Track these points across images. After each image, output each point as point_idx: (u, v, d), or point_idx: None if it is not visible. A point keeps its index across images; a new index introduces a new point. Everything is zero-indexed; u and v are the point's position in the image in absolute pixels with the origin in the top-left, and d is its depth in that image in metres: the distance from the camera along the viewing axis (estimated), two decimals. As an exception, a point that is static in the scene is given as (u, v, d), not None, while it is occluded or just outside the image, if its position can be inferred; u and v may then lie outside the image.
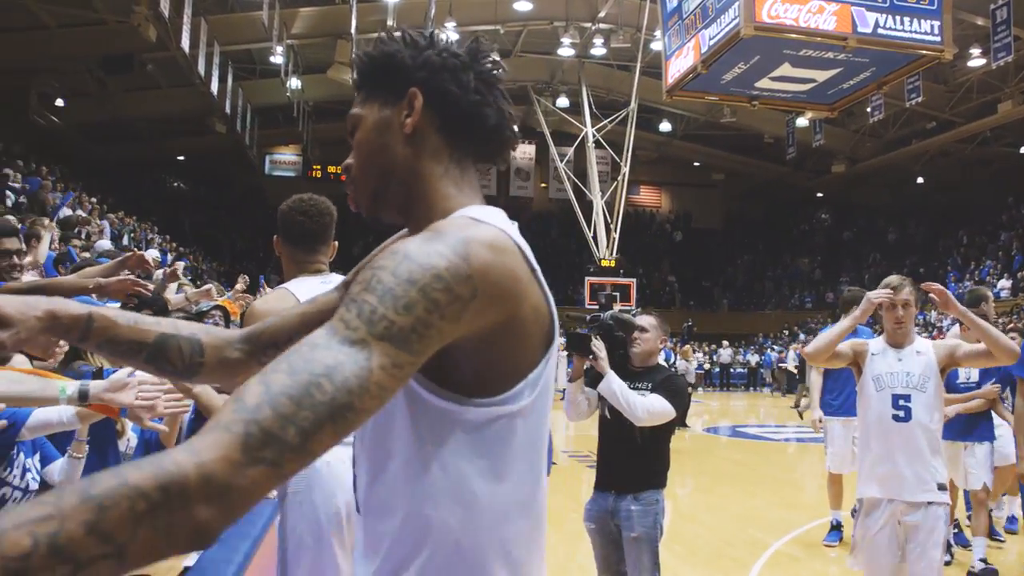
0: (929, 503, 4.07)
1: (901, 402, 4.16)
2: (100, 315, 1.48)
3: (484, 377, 1.25)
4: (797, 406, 23.75)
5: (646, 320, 4.46)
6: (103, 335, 1.48)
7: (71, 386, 2.58)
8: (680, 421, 4.55)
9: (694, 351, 29.81)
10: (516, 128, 1.45)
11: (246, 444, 0.92)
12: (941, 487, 4.10)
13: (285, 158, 41.05)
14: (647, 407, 4.13)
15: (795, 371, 28.08)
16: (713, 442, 16.24)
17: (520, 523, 1.29)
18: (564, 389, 4.58)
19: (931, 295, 4.13)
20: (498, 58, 1.44)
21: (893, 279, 4.31)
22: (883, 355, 4.30)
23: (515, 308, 1.23)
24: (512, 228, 1.31)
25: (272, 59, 27.83)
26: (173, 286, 6.97)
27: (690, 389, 18.03)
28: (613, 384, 4.16)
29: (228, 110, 28.23)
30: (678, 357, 23.66)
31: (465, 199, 1.41)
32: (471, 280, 1.15)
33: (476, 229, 1.23)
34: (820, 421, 7.24)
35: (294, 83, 29.29)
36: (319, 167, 41.04)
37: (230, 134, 31.62)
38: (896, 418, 4.15)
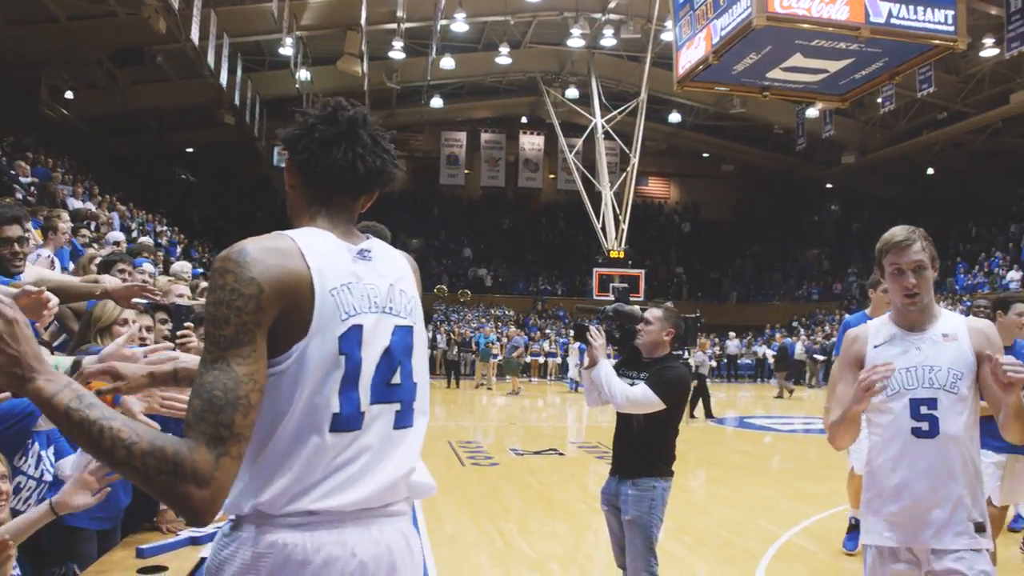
0: (964, 551, 2.96)
1: (924, 409, 2.98)
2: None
3: (272, 347, 1.74)
4: (781, 395, 24.13)
5: (650, 313, 4.57)
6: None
7: (64, 362, 2.59)
8: (687, 412, 4.53)
9: (711, 344, 29.95)
10: (360, 165, 1.94)
11: (209, 446, 1.58)
12: (980, 528, 2.98)
13: (327, 98, 41.20)
14: (627, 395, 4.31)
15: (772, 359, 28.34)
16: (720, 433, 16.25)
17: (299, 452, 1.76)
18: (571, 379, 4.67)
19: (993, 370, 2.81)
20: (353, 113, 1.97)
21: (898, 232, 3.08)
22: (892, 344, 3.09)
23: (295, 293, 1.75)
24: (308, 240, 1.83)
25: (281, 51, 27.81)
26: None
27: (699, 381, 18.02)
28: (600, 371, 4.41)
29: (237, 102, 28.31)
30: (694, 349, 23.88)
31: (311, 225, 1.94)
32: (254, 280, 1.70)
33: (263, 238, 1.80)
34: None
35: (303, 75, 29.30)
36: (327, 158, 41.12)
37: (239, 126, 31.68)
38: (918, 433, 2.98)
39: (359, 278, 1.86)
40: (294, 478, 1.76)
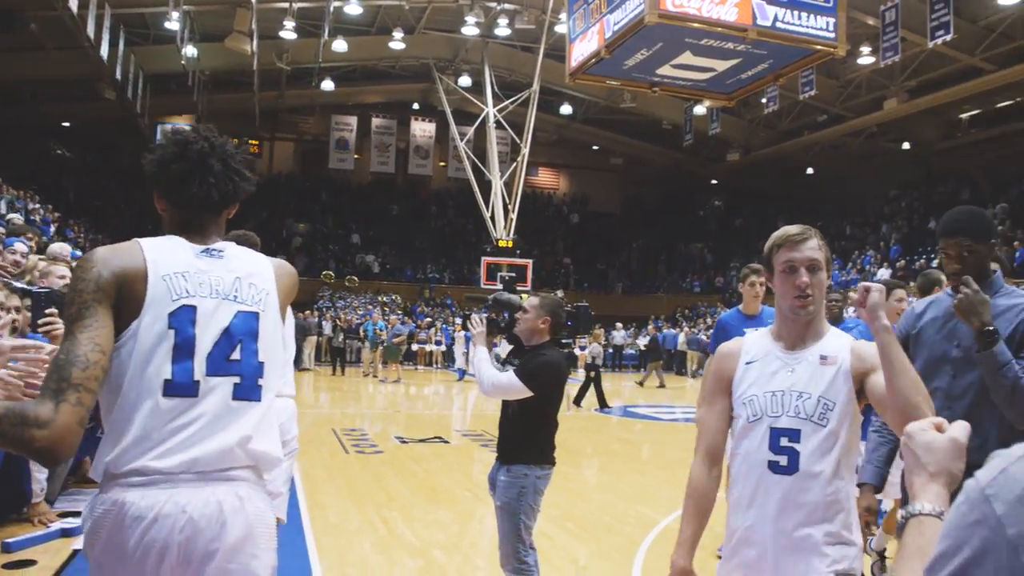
0: None
1: (784, 441, 2.56)
2: None
3: (117, 327, 2.08)
4: (663, 384, 24.88)
5: (528, 301, 4.63)
6: None
7: None
8: (569, 401, 4.63)
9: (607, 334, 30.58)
10: (215, 192, 2.28)
11: (51, 397, 1.87)
12: None
13: (177, 128, 39.82)
14: (493, 380, 4.40)
15: (644, 348, 29.18)
16: (605, 422, 16.50)
17: (138, 414, 2.06)
18: (460, 368, 4.72)
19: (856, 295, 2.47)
20: (201, 147, 2.27)
21: (792, 227, 2.75)
22: (765, 362, 2.69)
23: (131, 279, 2.10)
24: (151, 241, 2.20)
25: (167, 25, 26.94)
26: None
27: (595, 372, 18.30)
28: (475, 357, 4.57)
29: (119, 76, 27.25)
30: (589, 338, 24.60)
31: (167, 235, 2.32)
32: (95, 267, 2.07)
33: (116, 244, 2.19)
34: None
35: (190, 51, 28.42)
36: (214, 138, 39.99)
37: (120, 101, 30.51)
38: (774, 467, 2.57)
39: (200, 270, 2.21)
40: (134, 438, 2.05)
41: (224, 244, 2.31)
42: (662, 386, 24.74)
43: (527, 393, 4.32)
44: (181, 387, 2.10)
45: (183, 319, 2.13)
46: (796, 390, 2.57)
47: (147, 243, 2.18)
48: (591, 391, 17.84)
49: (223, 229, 2.39)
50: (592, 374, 18.11)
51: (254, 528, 2.15)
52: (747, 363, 2.70)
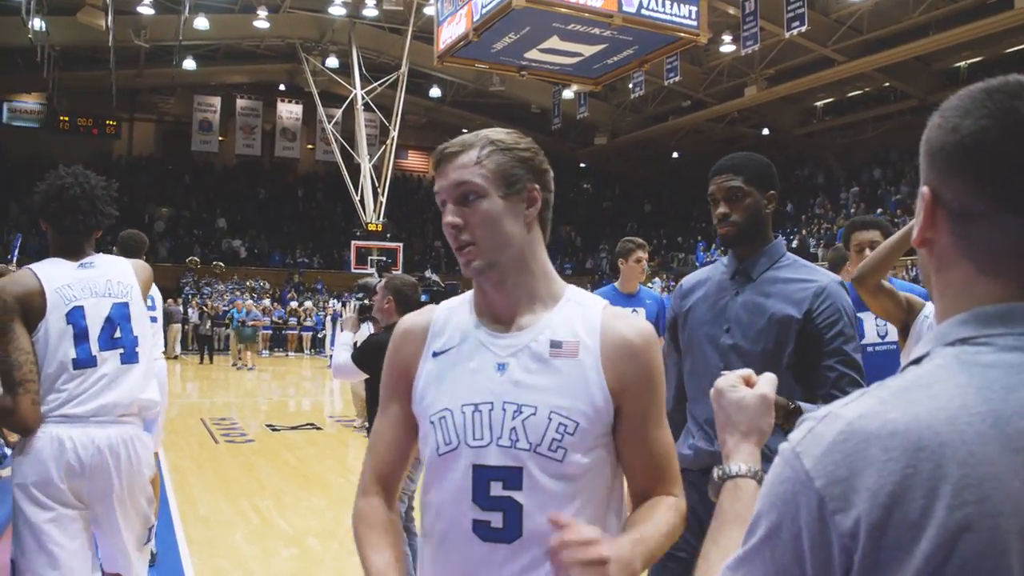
0: None
1: (497, 489, 1.52)
2: None
3: (31, 327, 3.01)
4: None
5: (380, 284, 4.74)
6: None
7: None
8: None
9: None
10: (83, 227, 3.20)
11: (10, 392, 2.92)
12: None
13: (27, 107, 37.83)
14: (336, 362, 4.55)
15: None
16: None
17: (58, 381, 3.00)
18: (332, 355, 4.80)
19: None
20: (73, 192, 3.18)
21: (452, 140, 1.70)
22: (462, 351, 1.64)
23: (31, 296, 2.99)
24: (40, 266, 3.13)
25: (11, -4, 25.47)
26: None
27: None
28: (339, 340, 4.71)
29: (-43, 50, 25.63)
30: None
31: (57, 256, 3.21)
32: (7, 300, 2.94)
33: (12, 275, 3.20)
34: None
35: (38, 24, 26.94)
36: (67, 118, 38.16)
37: (-40, 76, 28.77)
38: (483, 532, 1.53)
39: (80, 279, 3.15)
40: (57, 396, 3.01)
41: (94, 256, 3.27)
42: None
43: (361, 374, 4.42)
44: (84, 361, 3.07)
45: (76, 316, 3.09)
46: (513, 401, 1.55)
47: (37, 268, 3.12)
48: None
49: (93, 244, 3.32)
50: None
51: (140, 454, 3.17)
52: (435, 353, 1.67)
